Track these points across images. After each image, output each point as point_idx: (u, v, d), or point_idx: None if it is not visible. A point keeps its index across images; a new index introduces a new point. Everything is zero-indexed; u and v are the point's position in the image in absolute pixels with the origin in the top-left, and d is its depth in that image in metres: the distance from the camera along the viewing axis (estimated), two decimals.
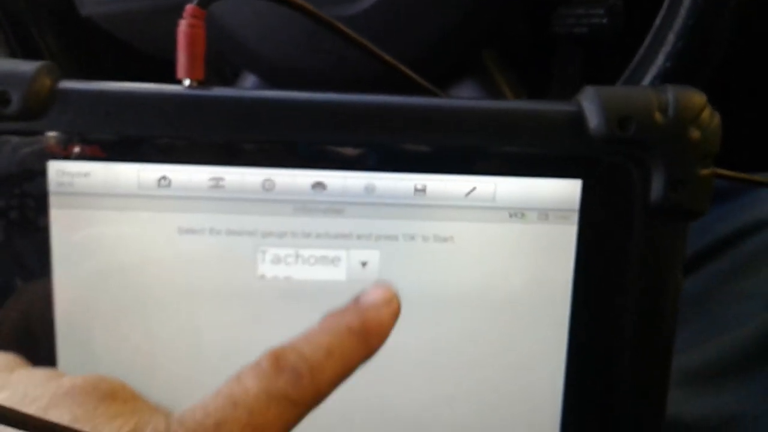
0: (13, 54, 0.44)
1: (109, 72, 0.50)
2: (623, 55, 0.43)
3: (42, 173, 0.28)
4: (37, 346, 0.28)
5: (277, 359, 0.21)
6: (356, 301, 0.23)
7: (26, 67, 0.27)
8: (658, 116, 0.28)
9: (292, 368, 0.20)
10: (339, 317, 0.22)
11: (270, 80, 0.44)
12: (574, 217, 0.29)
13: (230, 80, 0.51)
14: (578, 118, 0.28)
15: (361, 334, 0.22)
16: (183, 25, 0.28)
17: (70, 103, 0.27)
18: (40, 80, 0.27)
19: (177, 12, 0.43)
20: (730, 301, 0.39)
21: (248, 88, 0.46)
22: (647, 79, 0.40)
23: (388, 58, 0.33)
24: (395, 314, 0.23)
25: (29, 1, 0.43)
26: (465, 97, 0.45)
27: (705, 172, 0.28)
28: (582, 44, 0.47)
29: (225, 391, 0.20)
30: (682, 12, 0.38)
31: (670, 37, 0.39)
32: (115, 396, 0.20)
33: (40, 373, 0.21)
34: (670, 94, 0.28)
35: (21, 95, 0.27)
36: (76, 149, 0.27)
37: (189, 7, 0.28)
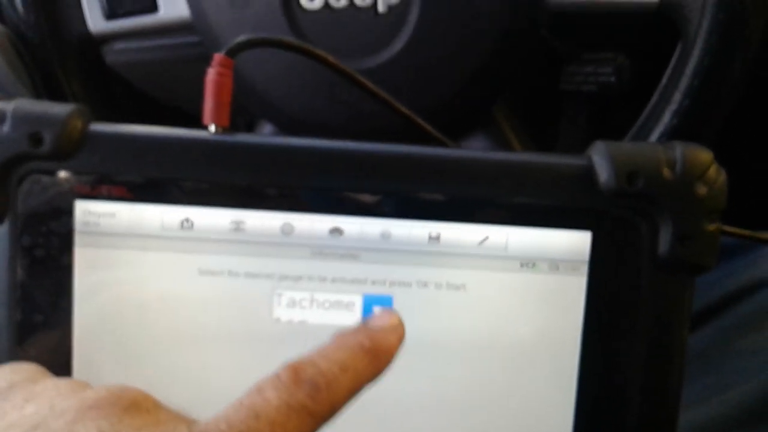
0: (38, 96, 0.45)
1: (129, 118, 0.52)
2: (632, 111, 0.44)
3: (69, 212, 0.28)
4: None
5: (296, 372, 0.21)
6: (366, 323, 0.24)
7: (59, 109, 0.28)
8: (666, 172, 0.29)
9: (311, 381, 0.21)
10: (352, 336, 0.23)
11: (287, 130, 0.46)
12: (584, 269, 0.29)
13: (243, 129, 0.52)
14: (588, 172, 0.29)
15: (372, 354, 0.23)
16: (211, 74, 0.29)
17: (99, 145, 0.28)
18: (72, 123, 0.28)
19: (195, 63, 0.44)
20: (735, 358, 0.40)
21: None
22: (654, 136, 0.41)
23: (403, 109, 0.34)
24: (401, 339, 0.24)
25: (58, 48, 0.45)
26: (478, 149, 0.46)
27: (711, 227, 0.29)
28: (591, 100, 0.48)
29: (247, 402, 0.20)
30: (688, 72, 0.40)
31: (677, 96, 0.40)
32: (138, 406, 0.20)
33: (64, 384, 0.22)
34: (678, 150, 0.29)
35: (54, 136, 0.28)
36: (103, 190, 0.28)
37: (217, 56, 0.30)
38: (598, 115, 0.50)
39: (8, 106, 0.28)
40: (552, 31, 0.45)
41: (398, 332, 0.24)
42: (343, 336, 0.23)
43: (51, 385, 0.22)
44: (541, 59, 0.46)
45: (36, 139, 0.28)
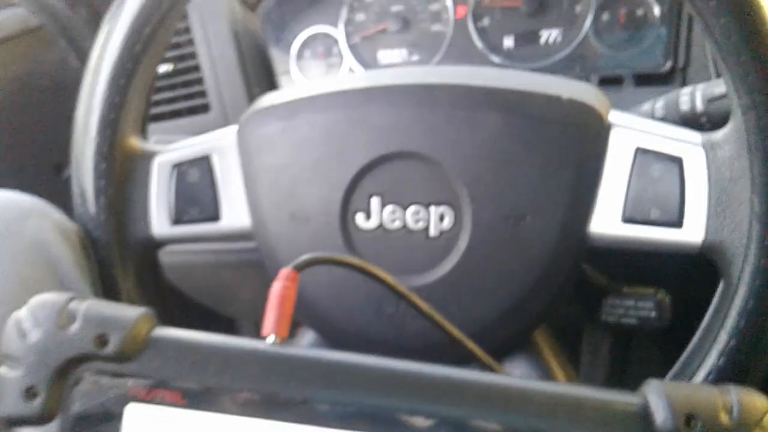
0: (95, 291, 0.46)
1: (175, 317, 0.53)
2: (656, 345, 0.44)
3: (119, 416, 0.28)
4: None
5: None
6: None
7: (128, 313, 0.29)
8: (723, 417, 0.28)
9: None
10: None
11: (330, 338, 0.46)
12: None
13: None
14: (644, 411, 0.29)
15: None
16: (276, 287, 0.31)
17: (161, 351, 0.29)
18: (139, 327, 0.29)
19: (238, 268, 0.46)
20: None
21: (307, 345, 0.47)
22: (701, 374, 0.41)
23: (455, 332, 0.35)
24: None
25: (120, 248, 0.47)
26: (519, 374, 0.45)
27: None
28: (630, 333, 0.49)
29: None
30: (733, 313, 0.40)
31: (723, 336, 0.40)
32: None
33: None
34: (734, 395, 0.29)
35: (119, 339, 0.28)
36: (158, 394, 0.28)
37: (284, 271, 0.31)
38: (620, 347, 0.51)
39: (80, 306, 0.29)
40: (593, 265, 0.47)
41: None
42: None
43: None
44: (584, 289, 0.47)
45: (101, 341, 0.28)
